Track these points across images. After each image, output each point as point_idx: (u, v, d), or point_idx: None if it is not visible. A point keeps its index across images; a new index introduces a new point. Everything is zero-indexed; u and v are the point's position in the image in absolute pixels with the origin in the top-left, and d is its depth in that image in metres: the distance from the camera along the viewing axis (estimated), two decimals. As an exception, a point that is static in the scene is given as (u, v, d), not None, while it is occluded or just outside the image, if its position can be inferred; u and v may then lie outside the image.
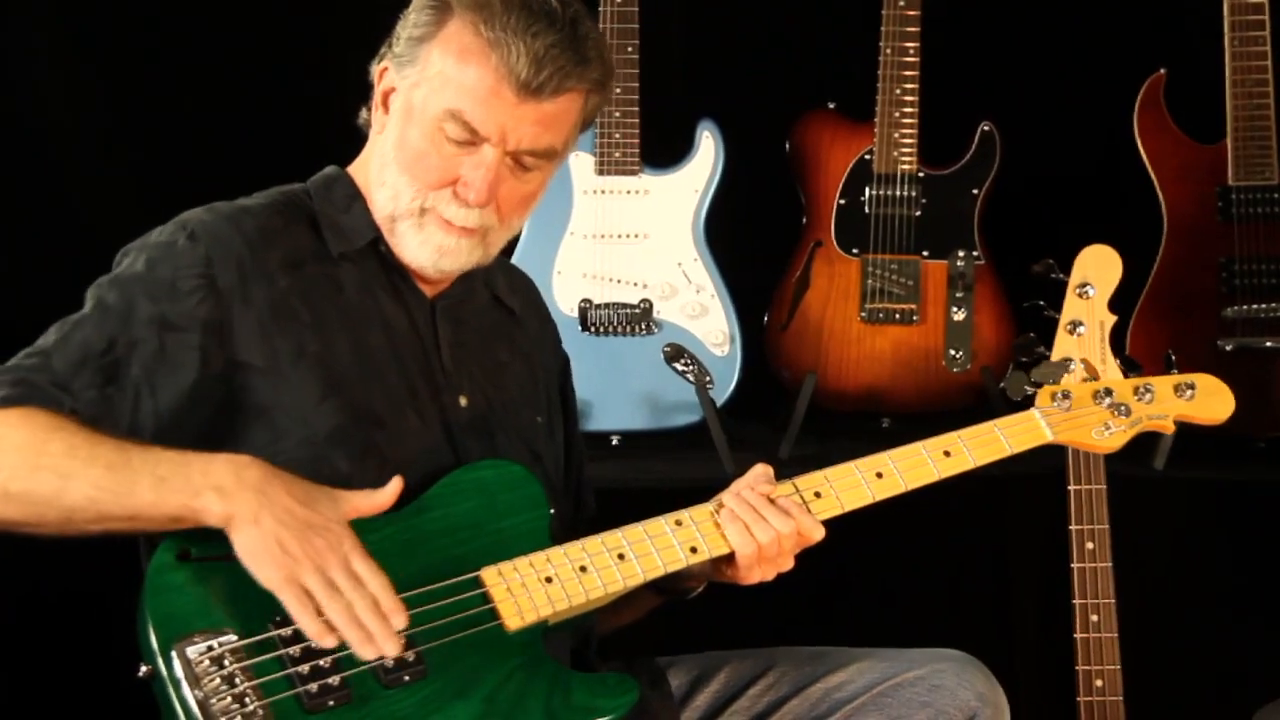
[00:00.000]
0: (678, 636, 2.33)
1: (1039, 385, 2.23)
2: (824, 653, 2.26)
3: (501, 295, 2.24)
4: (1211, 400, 2.26)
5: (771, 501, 2.10)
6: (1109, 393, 2.23)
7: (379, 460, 2.04)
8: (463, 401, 2.14)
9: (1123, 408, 2.23)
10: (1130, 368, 2.26)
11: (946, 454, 2.17)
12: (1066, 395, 2.22)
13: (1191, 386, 2.25)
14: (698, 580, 2.18)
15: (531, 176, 2.09)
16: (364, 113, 2.17)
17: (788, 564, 2.12)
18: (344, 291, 2.09)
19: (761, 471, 2.15)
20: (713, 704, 2.25)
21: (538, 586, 2.01)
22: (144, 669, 1.88)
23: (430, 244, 2.08)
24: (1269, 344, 3.25)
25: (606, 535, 2.07)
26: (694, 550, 2.08)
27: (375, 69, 2.13)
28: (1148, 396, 2.24)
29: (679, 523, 2.09)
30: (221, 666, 1.85)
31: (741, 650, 2.29)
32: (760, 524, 2.08)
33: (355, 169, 2.17)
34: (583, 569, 2.04)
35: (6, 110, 3.34)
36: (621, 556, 2.06)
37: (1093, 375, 2.24)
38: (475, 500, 2.07)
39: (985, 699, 2.17)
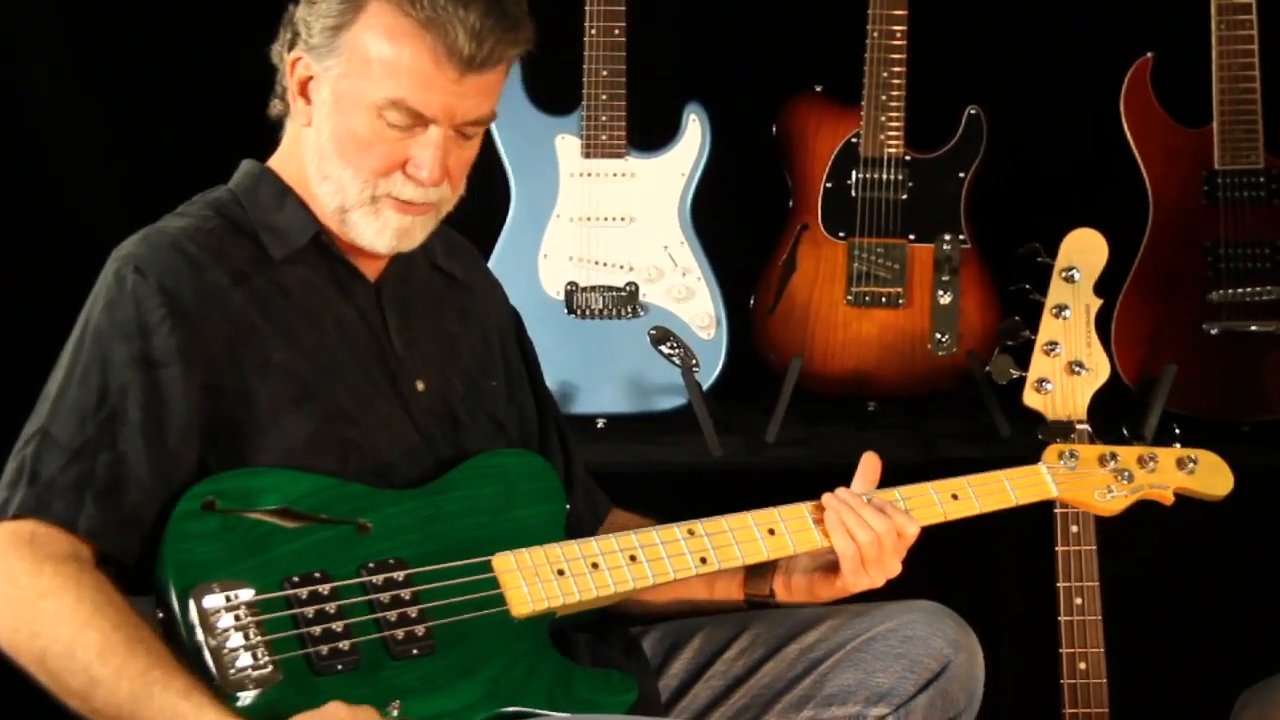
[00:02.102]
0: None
1: (1046, 442, 2.35)
2: (796, 612, 2.27)
3: (440, 263, 2.20)
4: (1212, 476, 2.38)
5: (868, 502, 2.15)
6: (1114, 457, 2.34)
7: (358, 456, 2.03)
8: (420, 386, 2.12)
9: (1126, 474, 2.33)
10: (1135, 437, 2.35)
11: (954, 497, 2.23)
12: (1073, 455, 2.32)
13: (1194, 460, 2.36)
14: (790, 594, 2.21)
15: (473, 142, 2.07)
16: (276, 104, 2.11)
17: (895, 567, 2.16)
18: (291, 296, 2.05)
19: (870, 463, 2.20)
20: (689, 671, 2.25)
21: (549, 577, 2.03)
22: (159, 614, 1.89)
23: (389, 229, 2.05)
24: (1254, 328, 3.26)
25: (620, 535, 2.09)
26: (704, 560, 2.11)
27: (285, 58, 2.06)
28: (1151, 465, 2.34)
29: (691, 532, 2.12)
30: (236, 619, 1.86)
31: (714, 616, 2.30)
32: (859, 523, 2.13)
33: (280, 163, 2.12)
34: (595, 565, 2.06)
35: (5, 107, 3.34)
36: (633, 558, 2.08)
37: (1100, 440, 2.36)
38: (496, 486, 2.09)
39: (959, 645, 2.18)
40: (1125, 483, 2.33)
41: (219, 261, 2.02)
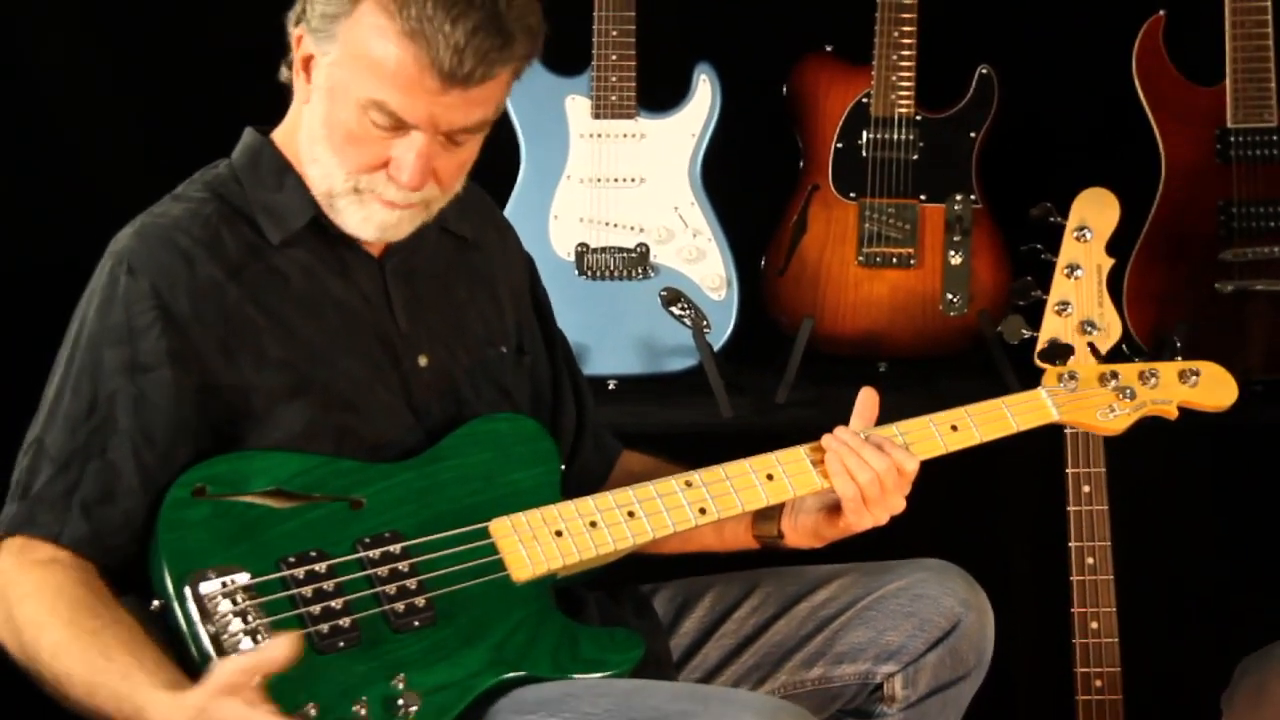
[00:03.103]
0: (660, 563, 2.31)
1: (1045, 364, 2.30)
2: (807, 571, 2.27)
3: (450, 226, 2.17)
4: (1215, 388, 2.32)
5: (866, 440, 2.13)
6: (1115, 376, 2.28)
7: (354, 442, 2.03)
8: (423, 361, 2.11)
9: (1128, 391, 2.28)
10: (1136, 352, 2.29)
11: (954, 429, 2.20)
12: (1073, 376, 2.28)
13: (1196, 373, 2.31)
14: (798, 534, 2.20)
15: (465, 147, 2.03)
16: (284, 70, 2.08)
17: (899, 504, 2.14)
18: (290, 282, 2.05)
19: (868, 400, 2.18)
20: (700, 629, 2.26)
21: (548, 539, 2.03)
22: (156, 603, 1.89)
23: (372, 221, 2.03)
24: (1258, 287, 3.24)
25: (617, 492, 2.08)
26: (702, 511, 2.10)
27: (291, 30, 2.03)
28: (1153, 381, 2.29)
29: (688, 483, 2.11)
30: (234, 604, 1.87)
31: (724, 574, 2.30)
32: (859, 464, 2.11)
33: (283, 136, 2.09)
34: (593, 524, 2.05)
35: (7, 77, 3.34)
36: (631, 514, 2.07)
37: (1099, 357, 2.30)
38: (489, 452, 2.09)
39: (969, 604, 2.19)
40: (1127, 400, 2.28)
41: (214, 253, 2.01)
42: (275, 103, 2.14)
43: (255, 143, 2.10)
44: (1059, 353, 2.31)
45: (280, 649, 1.78)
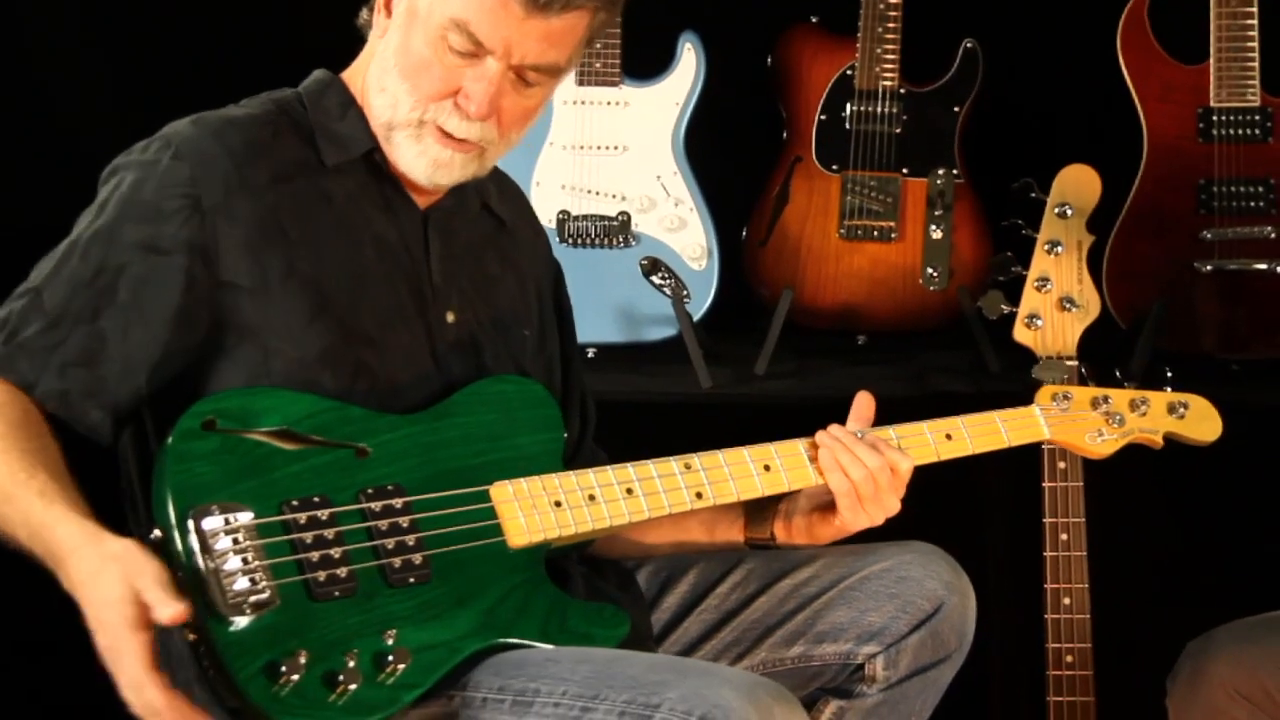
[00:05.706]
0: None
1: (1039, 382, 2.38)
2: (792, 549, 2.28)
3: (493, 204, 2.21)
4: (1202, 422, 2.40)
5: (861, 439, 2.15)
6: (1106, 400, 2.35)
7: (369, 379, 2.03)
8: (450, 318, 2.12)
9: (1117, 417, 2.35)
10: (1128, 378, 2.36)
11: (948, 437, 2.24)
12: (1067, 397, 2.33)
13: (1185, 406, 2.38)
14: (790, 536, 2.22)
15: (533, 92, 2.06)
16: (364, 13, 2.12)
17: (894, 505, 2.16)
18: (333, 204, 2.06)
19: (864, 402, 2.20)
20: (682, 604, 2.26)
21: (546, 509, 2.04)
22: (156, 533, 1.88)
23: (426, 156, 2.05)
24: (1232, 266, 3.25)
25: (618, 468, 2.09)
26: (699, 495, 2.11)
27: None
28: (1142, 409, 2.36)
29: (687, 466, 2.12)
30: (235, 542, 1.86)
31: (709, 554, 2.31)
32: (853, 460, 2.13)
33: (350, 75, 2.13)
34: (591, 498, 2.06)
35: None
36: (629, 491, 2.08)
37: (1093, 381, 2.39)
38: (495, 413, 2.09)
39: (952, 587, 2.19)
40: (1116, 426, 2.34)
41: (264, 158, 2.03)
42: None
43: (324, 77, 2.14)
44: (1054, 371, 2.41)
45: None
